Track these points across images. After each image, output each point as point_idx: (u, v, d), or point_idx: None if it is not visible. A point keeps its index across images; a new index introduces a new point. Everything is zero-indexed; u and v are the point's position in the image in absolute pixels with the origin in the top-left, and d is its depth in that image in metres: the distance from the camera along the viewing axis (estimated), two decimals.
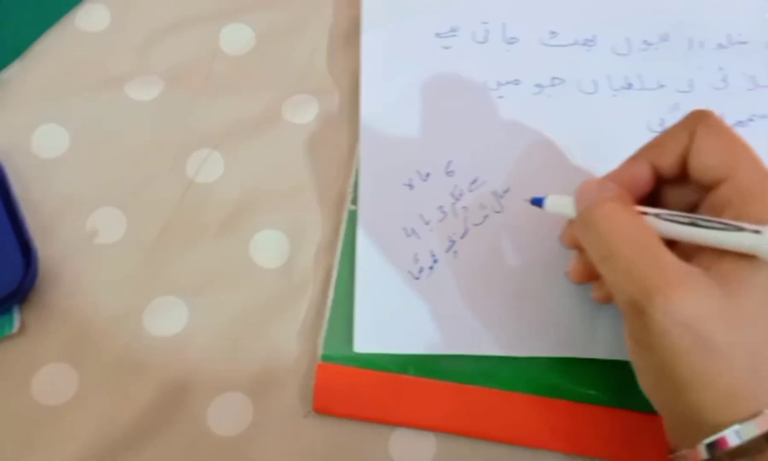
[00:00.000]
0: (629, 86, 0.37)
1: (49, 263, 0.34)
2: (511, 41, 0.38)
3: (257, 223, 0.35)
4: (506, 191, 0.35)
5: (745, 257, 0.25)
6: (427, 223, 0.35)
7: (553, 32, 0.39)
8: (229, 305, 0.34)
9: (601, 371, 0.32)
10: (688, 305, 0.25)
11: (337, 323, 0.33)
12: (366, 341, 0.33)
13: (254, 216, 0.36)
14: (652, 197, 0.30)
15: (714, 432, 0.25)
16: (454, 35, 0.38)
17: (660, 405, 0.27)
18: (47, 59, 0.39)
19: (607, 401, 0.32)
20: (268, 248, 0.35)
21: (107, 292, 0.34)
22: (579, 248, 0.32)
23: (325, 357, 0.33)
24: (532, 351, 0.33)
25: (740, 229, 0.25)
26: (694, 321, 0.24)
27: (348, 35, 0.40)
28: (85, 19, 0.40)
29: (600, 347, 0.33)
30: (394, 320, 0.33)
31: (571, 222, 0.32)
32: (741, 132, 0.36)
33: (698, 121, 0.28)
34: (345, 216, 0.35)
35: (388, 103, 0.37)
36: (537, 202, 0.32)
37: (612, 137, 0.36)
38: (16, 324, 0.33)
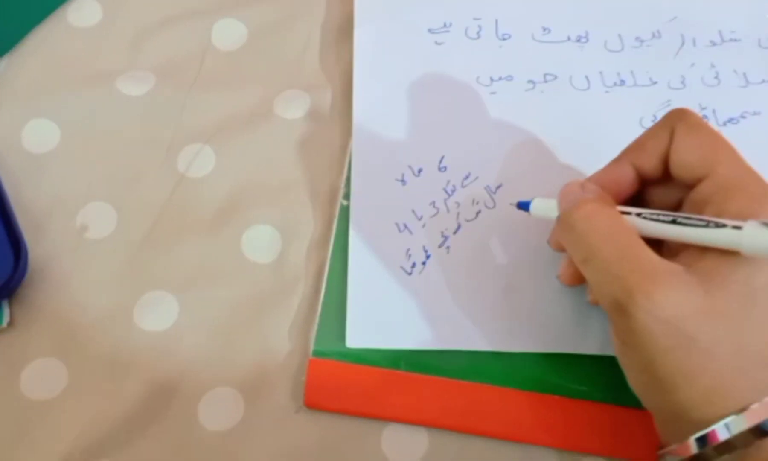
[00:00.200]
0: (622, 83, 0.37)
1: (39, 258, 0.34)
2: (504, 37, 0.38)
3: (249, 218, 0.35)
4: (499, 187, 0.35)
5: (727, 253, 0.25)
6: (419, 218, 0.34)
7: (545, 29, 0.39)
8: (220, 300, 0.34)
9: (593, 367, 0.32)
10: (670, 303, 0.25)
11: (328, 318, 0.33)
12: (358, 336, 0.33)
13: (246, 211, 0.35)
14: (638, 198, 0.31)
15: (702, 427, 0.25)
16: (446, 31, 0.38)
17: (648, 402, 0.28)
18: (38, 54, 0.38)
19: (598, 396, 0.32)
20: (259, 243, 0.35)
21: (97, 287, 0.34)
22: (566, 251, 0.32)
23: (317, 353, 0.32)
24: (524, 347, 0.33)
25: (721, 225, 0.25)
26: (676, 319, 0.25)
27: (340, 31, 0.40)
28: (77, 14, 0.39)
29: (592, 343, 0.33)
30: (386, 315, 0.33)
31: (556, 225, 0.32)
32: (732, 129, 0.37)
33: (678, 119, 0.29)
34: (337, 211, 0.35)
35: (380, 98, 0.37)
36: (523, 206, 0.32)
37: (604, 133, 0.36)
38: (6, 319, 0.32)
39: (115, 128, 0.37)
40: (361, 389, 0.32)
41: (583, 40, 0.38)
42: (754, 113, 0.37)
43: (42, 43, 0.39)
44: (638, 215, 0.27)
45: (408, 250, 0.34)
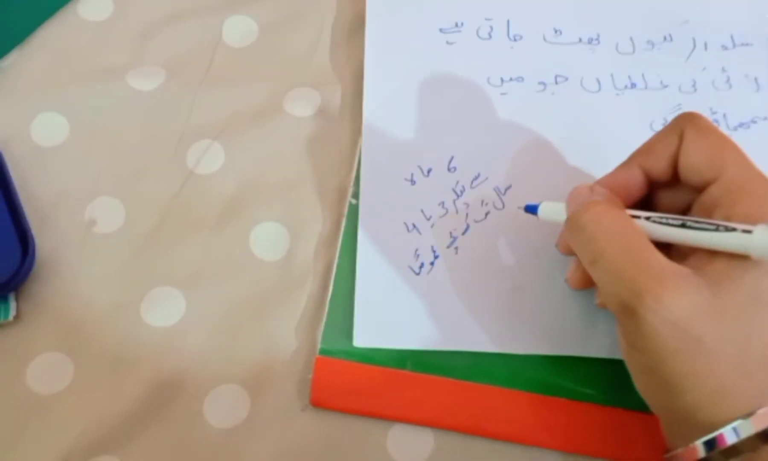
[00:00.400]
0: (633, 86, 0.37)
1: (47, 252, 0.34)
2: (516, 38, 0.38)
3: (257, 215, 0.35)
4: (508, 188, 0.35)
5: (736, 256, 0.25)
6: (428, 218, 0.34)
7: (557, 30, 0.39)
8: (227, 297, 0.34)
9: (599, 370, 0.32)
10: (678, 305, 0.25)
11: (336, 317, 0.33)
12: (365, 335, 0.32)
13: (254, 208, 0.35)
14: (647, 201, 0.30)
15: (709, 430, 0.25)
16: (458, 31, 0.38)
17: (655, 405, 0.28)
18: (48, 47, 0.38)
19: (604, 399, 0.32)
20: (267, 240, 0.35)
21: (104, 282, 0.34)
22: (575, 255, 0.32)
23: (324, 351, 0.32)
24: (530, 349, 0.33)
25: (731, 229, 0.25)
26: (683, 321, 0.25)
27: (351, 29, 0.39)
28: (88, 8, 0.39)
29: (598, 346, 0.33)
30: (393, 315, 0.33)
31: (564, 227, 0.32)
32: (743, 134, 0.37)
33: (686, 122, 0.29)
34: (346, 210, 0.35)
35: (390, 97, 0.37)
36: (531, 209, 0.32)
37: (614, 135, 0.36)
38: (12, 312, 0.32)
39: (125, 123, 0.37)
40: (368, 388, 0.32)
41: (595, 42, 0.38)
42: (765, 118, 0.37)
43: (53, 37, 0.39)
44: (647, 218, 0.27)
45: (416, 250, 0.34)
